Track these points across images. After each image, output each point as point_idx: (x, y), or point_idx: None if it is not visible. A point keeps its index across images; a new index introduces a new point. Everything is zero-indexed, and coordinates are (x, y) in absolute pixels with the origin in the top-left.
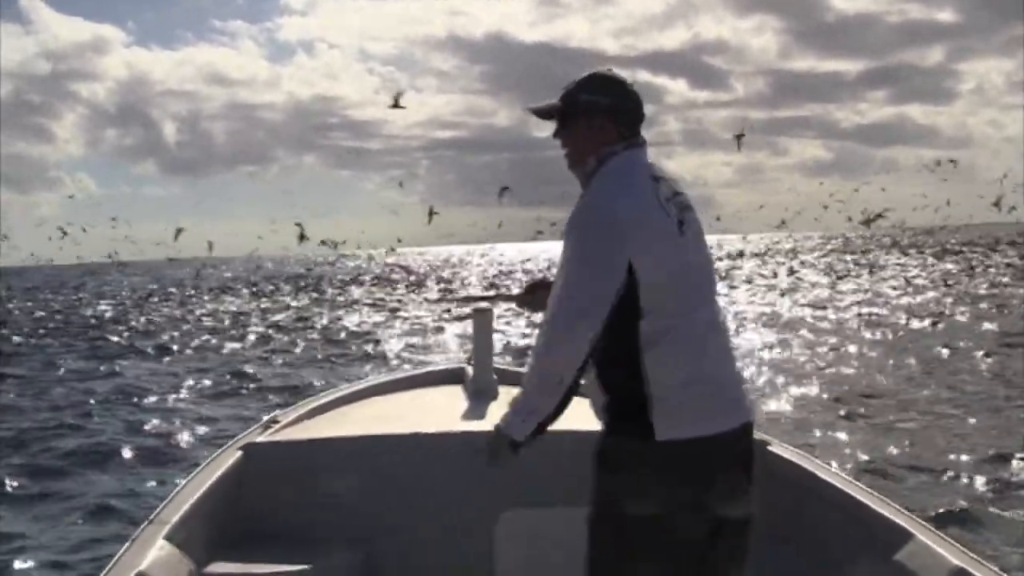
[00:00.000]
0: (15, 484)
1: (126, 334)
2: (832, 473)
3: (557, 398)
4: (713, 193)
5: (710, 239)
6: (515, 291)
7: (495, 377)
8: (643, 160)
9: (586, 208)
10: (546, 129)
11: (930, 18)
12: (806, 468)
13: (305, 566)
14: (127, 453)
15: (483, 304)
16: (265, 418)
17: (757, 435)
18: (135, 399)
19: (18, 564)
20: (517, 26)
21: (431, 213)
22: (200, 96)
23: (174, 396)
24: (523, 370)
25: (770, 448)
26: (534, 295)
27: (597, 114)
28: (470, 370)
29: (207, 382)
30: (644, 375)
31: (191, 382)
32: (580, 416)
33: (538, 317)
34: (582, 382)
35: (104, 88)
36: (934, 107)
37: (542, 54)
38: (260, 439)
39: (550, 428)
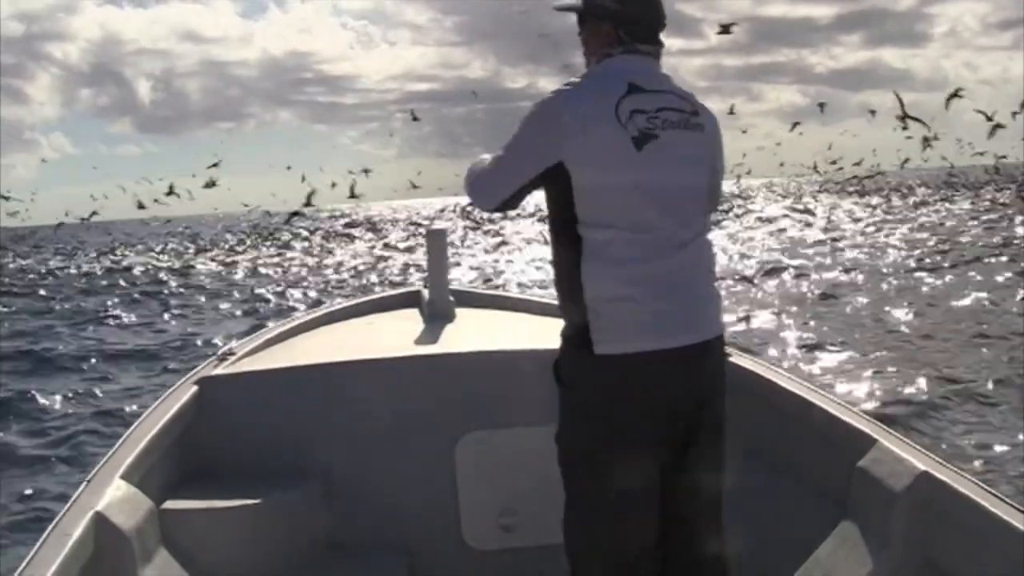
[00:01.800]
0: None
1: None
2: (793, 381)
3: None
4: None
5: None
6: None
7: (451, 299)
8: (631, 66)
9: (542, 100)
10: (519, 81)
11: None
12: (767, 377)
13: (264, 499)
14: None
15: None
16: (220, 350)
17: None
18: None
19: None
20: None
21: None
22: (173, 54)
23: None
24: (480, 291)
25: (730, 359)
26: None
27: (604, 18)
28: (426, 293)
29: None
30: (582, 286)
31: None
32: (536, 335)
33: None
34: None
35: (77, 48)
36: (908, 50)
37: (515, 3)
38: (215, 372)
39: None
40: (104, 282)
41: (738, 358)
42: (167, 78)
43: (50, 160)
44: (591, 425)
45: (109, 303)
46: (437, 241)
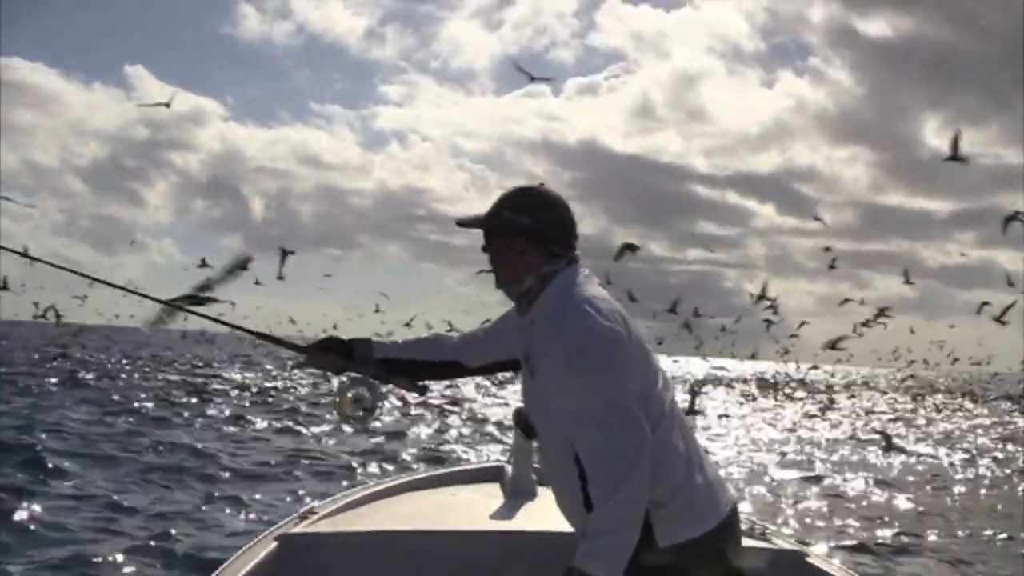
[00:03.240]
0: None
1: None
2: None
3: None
4: (793, 320)
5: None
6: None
7: (534, 477)
8: (583, 273)
9: (586, 329)
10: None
11: None
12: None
13: None
14: (157, 538)
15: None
16: (302, 509)
17: (790, 544)
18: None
19: None
20: (611, 136)
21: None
22: (291, 176)
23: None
24: None
25: (808, 560)
26: (324, 354)
27: (518, 235)
28: (509, 469)
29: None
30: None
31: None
32: None
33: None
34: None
35: (197, 159)
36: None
37: (633, 165)
38: (296, 530)
39: None
40: None
41: (814, 559)
42: (282, 198)
43: (158, 265)
44: None
45: None
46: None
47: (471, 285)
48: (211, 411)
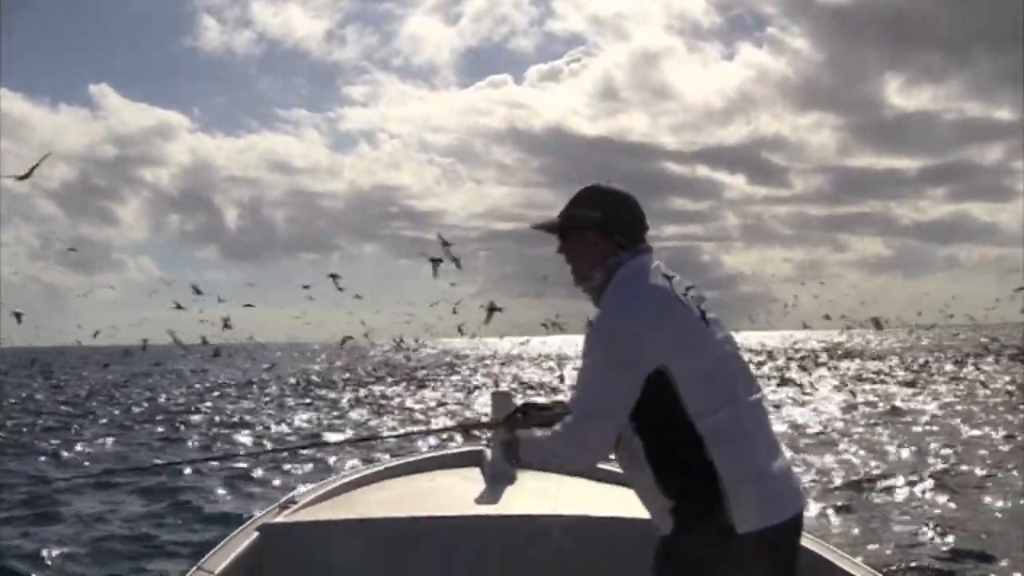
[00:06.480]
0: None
1: None
2: (858, 567)
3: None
4: (771, 289)
5: (774, 335)
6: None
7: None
8: (651, 263)
9: (606, 323)
10: None
11: (987, 116)
12: (841, 567)
13: None
14: (143, 529)
15: (502, 388)
16: (283, 498)
17: None
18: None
19: None
20: (577, 120)
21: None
22: (262, 183)
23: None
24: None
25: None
26: (525, 415)
27: (591, 229)
28: (488, 453)
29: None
30: (715, 471)
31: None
32: (595, 502)
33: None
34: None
35: (168, 173)
36: (995, 204)
37: (601, 148)
38: (277, 520)
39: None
40: None
41: (808, 541)
42: (255, 206)
43: (137, 282)
44: None
45: None
46: (502, 403)
47: (446, 278)
48: None
